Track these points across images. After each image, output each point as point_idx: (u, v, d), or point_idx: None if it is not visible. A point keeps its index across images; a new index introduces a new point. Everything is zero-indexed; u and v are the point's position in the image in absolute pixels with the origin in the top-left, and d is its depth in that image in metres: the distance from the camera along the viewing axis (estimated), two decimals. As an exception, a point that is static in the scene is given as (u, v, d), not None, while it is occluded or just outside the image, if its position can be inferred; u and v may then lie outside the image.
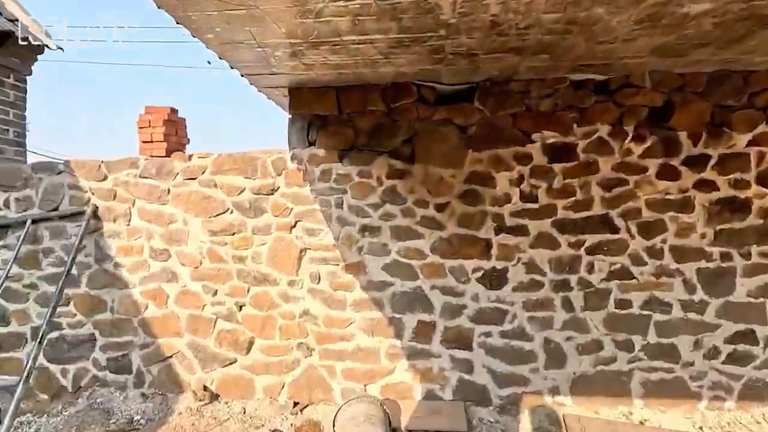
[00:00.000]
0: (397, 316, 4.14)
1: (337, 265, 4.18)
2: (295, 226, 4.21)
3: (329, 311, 4.20)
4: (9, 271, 4.25)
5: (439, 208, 4.06)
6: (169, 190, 4.33)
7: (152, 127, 4.39)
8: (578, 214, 3.93)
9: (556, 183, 3.95)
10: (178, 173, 4.31)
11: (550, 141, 3.94)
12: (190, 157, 4.32)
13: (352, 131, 4.16)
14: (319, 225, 4.18)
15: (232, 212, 4.28)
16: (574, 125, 3.92)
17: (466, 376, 4.08)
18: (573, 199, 3.93)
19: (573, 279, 3.95)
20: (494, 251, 4.03)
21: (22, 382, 3.55)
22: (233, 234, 4.27)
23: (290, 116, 4.23)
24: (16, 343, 4.44)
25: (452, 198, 4.04)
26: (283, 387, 4.26)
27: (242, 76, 3.66)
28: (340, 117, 4.16)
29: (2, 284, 4.22)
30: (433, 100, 4.03)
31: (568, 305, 3.97)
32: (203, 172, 4.29)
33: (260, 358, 4.28)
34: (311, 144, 4.23)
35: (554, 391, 4.00)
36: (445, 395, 4.11)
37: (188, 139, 4.95)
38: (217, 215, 4.28)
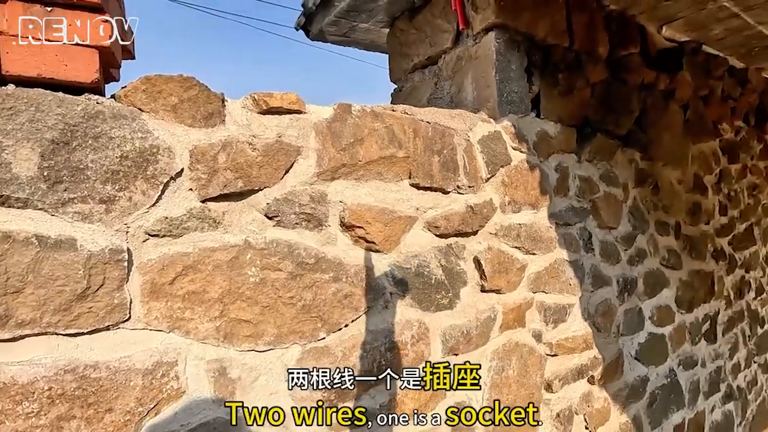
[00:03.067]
0: (654, 434, 2.29)
1: (593, 376, 1.93)
2: (531, 306, 1.67)
3: (591, 483, 1.88)
4: None
5: (676, 233, 2.50)
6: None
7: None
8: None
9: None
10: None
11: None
12: (220, 103, 1.04)
13: (589, 89, 2.03)
14: (564, 296, 1.81)
15: (387, 307, 1.29)
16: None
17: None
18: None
19: None
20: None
21: None
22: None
23: (497, 37, 1.67)
24: None
25: (681, 216, 2.57)
26: None
27: None
28: (569, 54, 1.95)
29: None
30: (651, 59, 2.44)
31: None
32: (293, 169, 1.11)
33: None
34: (533, 107, 1.81)
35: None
36: None
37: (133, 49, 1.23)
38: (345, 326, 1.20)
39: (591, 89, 2.05)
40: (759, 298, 3.29)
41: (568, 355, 1.79)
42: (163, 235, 0.95)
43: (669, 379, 2.36)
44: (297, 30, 2.21)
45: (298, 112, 1.14)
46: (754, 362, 3.21)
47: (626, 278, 2.09)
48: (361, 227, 1.22)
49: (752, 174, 3.27)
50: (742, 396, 3.02)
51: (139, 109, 0.94)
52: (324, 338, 1.16)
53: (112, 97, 0.94)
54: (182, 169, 0.96)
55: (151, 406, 0.91)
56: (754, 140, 3.33)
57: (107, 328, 0.88)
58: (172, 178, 0.95)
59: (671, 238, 2.44)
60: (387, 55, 2.17)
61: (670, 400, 2.35)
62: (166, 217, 0.95)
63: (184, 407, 0.95)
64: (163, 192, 0.94)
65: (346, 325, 1.21)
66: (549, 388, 1.74)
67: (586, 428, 1.88)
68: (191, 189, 0.98)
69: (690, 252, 2.58)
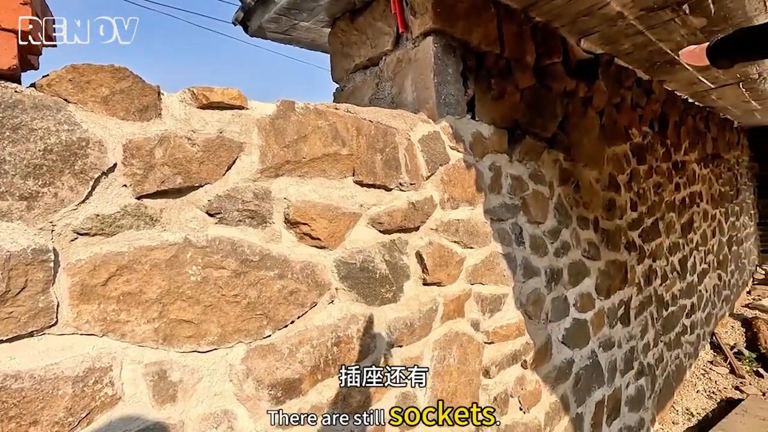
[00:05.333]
0: (579, 410, 2.50)
1: (526, 361, 2.07)
2: (469, 297, 1.77)
3: (525, 460, 2.01)
4: None
5: (595, 227, 2.76)
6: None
7: None
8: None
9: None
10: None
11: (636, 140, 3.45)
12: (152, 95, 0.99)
13: (519, 94, 2.18)
14: (499, 287, 1.93)
15: (333, 302, 1.31)
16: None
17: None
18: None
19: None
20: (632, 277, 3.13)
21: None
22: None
23: (435, 41, 1.74)
24: None
25: (599, 211, 2.83)
26: None
27: None
28: (500, 61, 2.08)
29: None
30: (572, 69, 2.67)
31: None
32: (229, 165, 1.09)
33: None
34: (469, 110, 1.91)
35: None
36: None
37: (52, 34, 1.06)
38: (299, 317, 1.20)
39: (520, 94, 2.20)
40: (664, 284, 3.70)
41: (503, 342, 1.92)
42: (95, 234, 0.90)
43: (591, 360, 2.59)
44: (235, 25, 2.16)
45: (240, 107, 1.12)
46: (661, 341, 3.61)
47: (553, 269, 2.27)
48: (306, 224, 1.23)
49: (657, 174, 3.68)
50: (651, 372, 3.38)
51: (65, 99, 0.88)
52: (270, 335, 1.15)
53: (32, 85, 0.88)
54: (115, 164, 0.92)
55: (83, 415, 0.86)
56: (658, 144, 3.75)
57: (30, 335, 0.81)
58: (103, 173, 0.90)
59: (591, 232, 2.69)
60: (324, 54, 2.18)
61: (592, 379, 2.59)
62: (98, 215, 0.90)
63: (120, 415, 0.91)
64: (93, 188, 0.89)
65: (293, 322, 1.21)
66: (487, 373, 1.85)
67: (521, 409, 2.02)
68: (126, 185, 0.94)
69: (607, 244, 2.85)
